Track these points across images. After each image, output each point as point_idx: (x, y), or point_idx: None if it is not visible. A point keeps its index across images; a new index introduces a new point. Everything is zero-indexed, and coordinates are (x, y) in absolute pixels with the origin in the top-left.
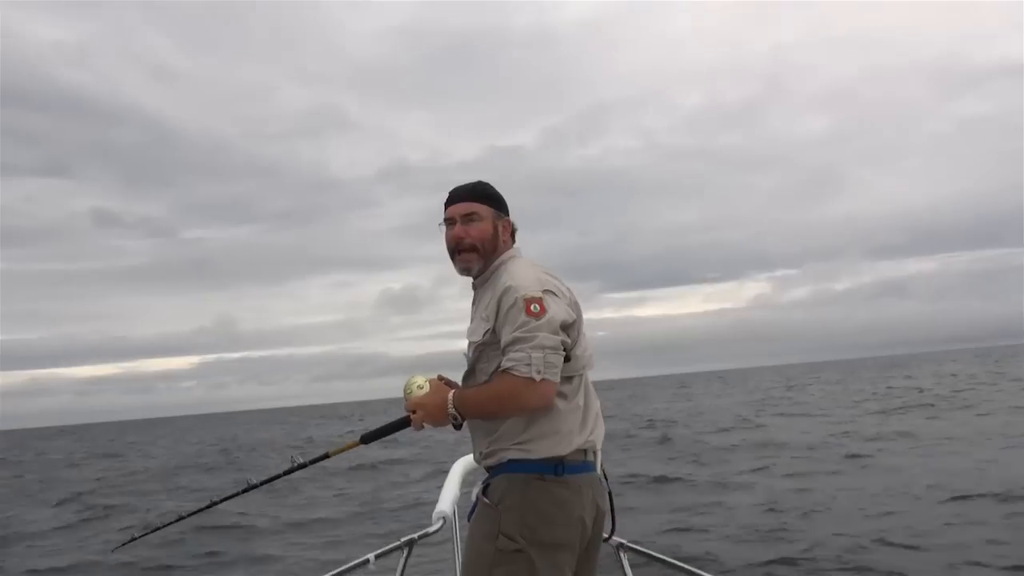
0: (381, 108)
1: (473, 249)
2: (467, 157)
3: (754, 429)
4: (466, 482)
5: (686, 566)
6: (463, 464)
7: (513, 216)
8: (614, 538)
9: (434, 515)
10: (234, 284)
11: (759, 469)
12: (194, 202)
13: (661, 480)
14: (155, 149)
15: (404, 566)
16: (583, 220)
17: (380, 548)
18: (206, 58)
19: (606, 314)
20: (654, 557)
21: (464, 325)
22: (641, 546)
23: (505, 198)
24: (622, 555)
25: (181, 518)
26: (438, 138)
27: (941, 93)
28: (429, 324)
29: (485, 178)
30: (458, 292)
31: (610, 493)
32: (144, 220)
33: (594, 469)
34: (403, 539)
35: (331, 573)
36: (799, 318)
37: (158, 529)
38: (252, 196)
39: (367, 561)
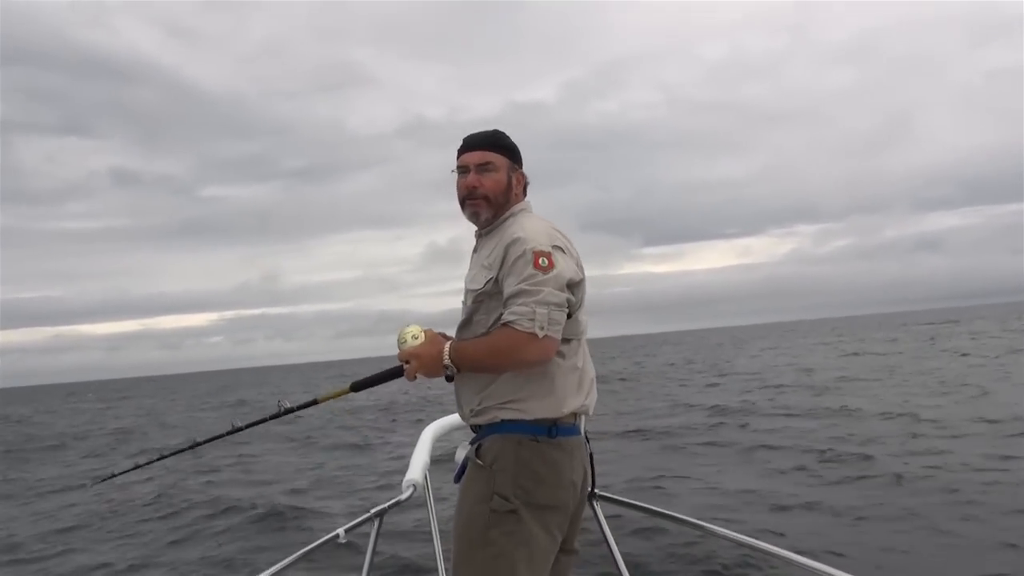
0: (398, 63)
1: (485, 199)
2: (486, 113)
3: None
4: (434, 448)
5: (656, 508)
6: (432, 430)
7: (533, 173)
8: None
9: (404, 483)
10: (251, 242)
11: None
12: (211, 160)
13: None
14: (172, 107)
15: (376, 537)
16: (602, 176)
17: (348, 523)
18: (220, 14)
19: (625, 270)
20: (624, 503)
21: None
22: (611, 493)
23: (524, 155)
24: (595, 504)
25: (163, 456)
26: (456, 93)
27: (970, 43)
28: (450, 280)
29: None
30: None
31: (591, 454)
32: (162, 179)
33: (580, 432)
34: (372, 510)
35: (300, 552)
36: (818, 273)
37: (139, 467)
38: (269, 154)
39: (336, 536)
